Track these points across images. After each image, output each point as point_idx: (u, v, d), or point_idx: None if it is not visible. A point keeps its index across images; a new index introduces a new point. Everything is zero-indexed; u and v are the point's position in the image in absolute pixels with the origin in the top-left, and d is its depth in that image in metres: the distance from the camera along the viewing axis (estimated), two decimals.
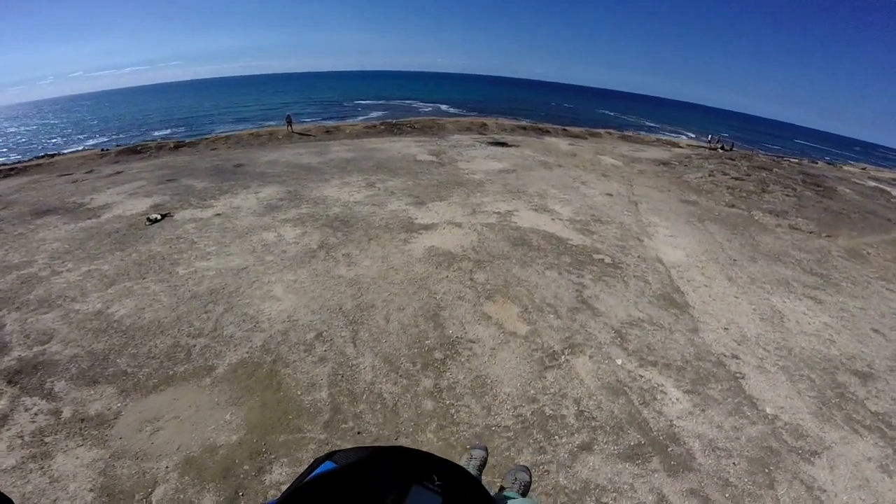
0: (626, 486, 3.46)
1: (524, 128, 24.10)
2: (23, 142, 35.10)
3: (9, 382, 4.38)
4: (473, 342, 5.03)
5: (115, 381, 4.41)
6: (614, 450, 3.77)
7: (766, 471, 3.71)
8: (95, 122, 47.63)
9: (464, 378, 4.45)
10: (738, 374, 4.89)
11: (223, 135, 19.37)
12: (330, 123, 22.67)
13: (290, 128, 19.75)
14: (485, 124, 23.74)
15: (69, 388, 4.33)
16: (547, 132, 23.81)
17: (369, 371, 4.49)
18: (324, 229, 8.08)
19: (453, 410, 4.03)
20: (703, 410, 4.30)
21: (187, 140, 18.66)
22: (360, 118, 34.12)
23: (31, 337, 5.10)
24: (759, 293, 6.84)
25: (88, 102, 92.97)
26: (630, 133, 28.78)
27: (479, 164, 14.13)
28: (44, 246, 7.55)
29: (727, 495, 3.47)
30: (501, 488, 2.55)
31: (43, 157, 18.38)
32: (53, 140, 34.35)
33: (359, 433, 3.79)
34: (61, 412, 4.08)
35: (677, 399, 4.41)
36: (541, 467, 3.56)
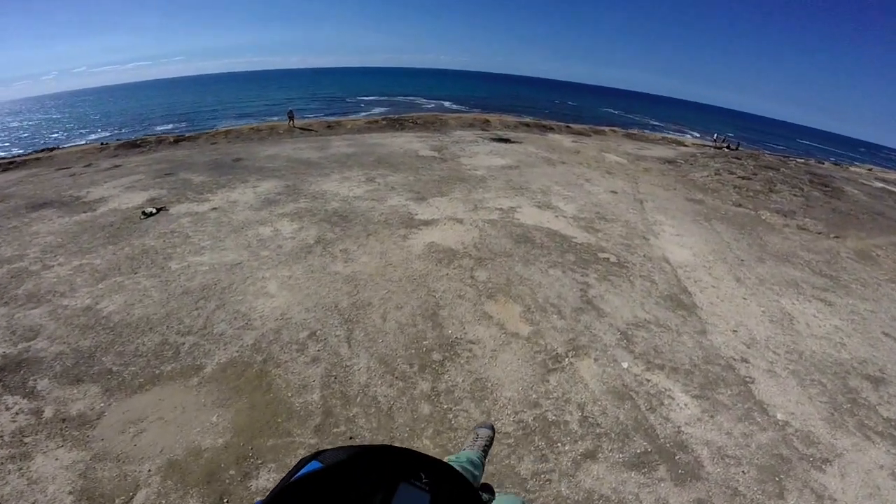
0: (630, 497, 3.29)
1: (527, 124, 23.86)
2: (25, 136, 35.04)
3: None
4: (473, 343, 4.84)
5: (100, 380, 4.25)
6: (619, 458, 3.59)
7: (777, 479, 3.57)
8: (98, 117, 47.53)
9: (463, 381, 4.26)
10: (747, 379, 4.70)
11: (223, 129, 19.20)
12: (332, 119, 22.44)
13: (291, 123, 19.59)
14: (487, 120, 23.51)
15: (52, 387, 4.17)
16: (550, 129, 23.56)
17: (364, 372, 4.30)
18: (321, 224, 7.90)
19: (451, 415, 3.84)
20: (711, 416, 4.12)
21: (187, 134, 18.49)
22: (363, 114, 33.88)
23: (16, 333, 4.93)
24: (768, 294, 6.65)
25: (91, 97, 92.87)
26: (635, 131, 28.52)
27: (482, 160, 13.91)
28: (37, 239, 7.40)
29: None
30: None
31: (42, 150, 18.29)
32: (55, 135, 34.25)
33: (351, 438, 3.62)
34: (43, 412, 3.93)
35: (685, 404, 4.22)
36: (542, 476, 3.38)
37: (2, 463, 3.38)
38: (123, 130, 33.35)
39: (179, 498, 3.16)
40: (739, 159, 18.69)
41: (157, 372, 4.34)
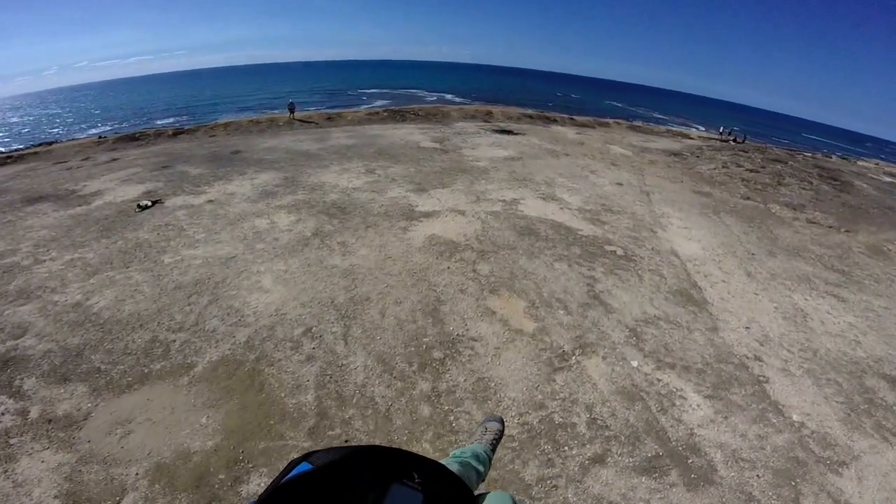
0: (640, 503, 3.10)
1: (530, 116, 23.51)
2: (25, 131, 34.88)
3: None
4: (475, 340, 4.63)
5: (88, 379, 4.11)
6: (629, 462, 3.40)
7: (792, 483, 3.41)
8: (98, 111, 47.31)
9: (464, 381, 4.06)
10: (761, 378, 4.50)
11: (222, 122, 18.97)
12: (332, 111, 22.16)
13: (292, 115, 19.34)
14: (490, 112, 23.17)
15: (39, 386, 4.03)
16: (554, 121, 23.24)
17: (361, 371, 4.11)
18: (319, 216, 7.71)
19: (452, 417, 3.65)
20: (725, 418, 3.93)
21: (186, 127, 18.29)
22: (365, 106, 33.53)
23: (5, 331, 4.79)
24: (780, 290, 6.42)
25: (92, 92, 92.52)
26: (639, 123, 28.09)
27: (484, 151, 13.67)
28: (30, 234, 7.25)
29: None
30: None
31: (40, 145, 18.11)
32: (55, 129, 34.08)
33: (347, 441, 3.44)
34: (29, 412, 3.79)
35: (698, 405, 4.02)
36: (548, 482, 3.19)
37: None
38: (124, 125, 33.13)
39: (167, 503, 3.01)
40: (746, 152, 18.45)
41: (147, 371, 4.18)
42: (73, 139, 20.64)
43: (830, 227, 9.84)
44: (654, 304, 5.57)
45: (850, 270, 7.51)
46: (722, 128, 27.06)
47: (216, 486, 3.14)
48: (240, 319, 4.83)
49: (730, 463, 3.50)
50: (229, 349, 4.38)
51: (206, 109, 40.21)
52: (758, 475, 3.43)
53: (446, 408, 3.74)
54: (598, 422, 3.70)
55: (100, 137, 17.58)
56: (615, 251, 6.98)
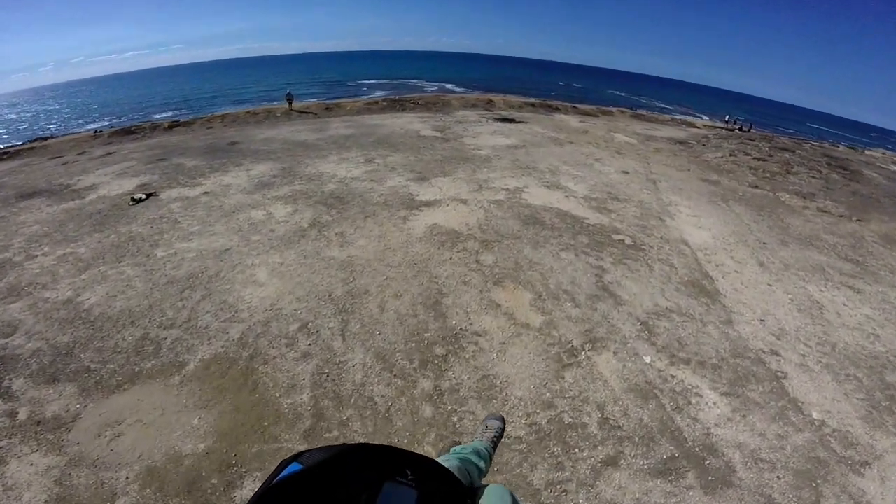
0: None
1: (533, 104, 23.13)
2: (23, 128, 34.57)
3: None
4: (480, 335, 4.43)
5: (77, 379, 3.96)
6: (644, 464, 3.21)
7: (813, 485, 3.24)
8: (96, 106, 46.91)
9: (468, 378, 3.87)
10: (779, 374, 4.29)
11: (219, 114, 18.66)
12: (331, 101, 21.80)
13: (290, 106, 19.03)
14: (491, 101, 22.79)
15: (27, 387, 3.88)
16: (556, 109, 22.87)
17: (359, 369, 3.92)
18: (317, 207, 7.50)
19: (456, 418, 3.46)
20: (743, 416, 3.74)
21: (182, 120, 18.01)
22: (364, 97, 33.06)
23: None
24: (794, 280, 6.20)
25: (89, 88, 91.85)
26: (643, 112, 27.63)
27: (486, 139, 13.40)
28: (23, 229, 7.09)
29: None
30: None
31: (36, 140, 17.90)
32: (52, 125, 33.75)
33: (344, 444, 3.25)
34: (17, 413, 3.66)
35: (714, 403, 3.82)
36: (558, 486, 3.01)
37: None
38: (122, 119, 32.80)
39: None
40: (753, 141, 18.32)
41: (137, 370, 4.02)
42: (69, 134, 20.39)
43: (842, 215, 9.60)
44: (666, 295, 5.35)
45: (865, 260, 7.27)
46: (727, 116, 26.77)
47: (209, 490, 3.00)
48: (233, 315, 4.64)
49: (749, 464, 3.33)
50: (222, 346, 4.20)
51: (205, 103, 39.80)
52: (778, 476, 3.27)
53: (449, 408, 3.55)
54: (611, 422, 3.50)
55: (95, 132, 17.35)
56: (623, 240, 6.75)
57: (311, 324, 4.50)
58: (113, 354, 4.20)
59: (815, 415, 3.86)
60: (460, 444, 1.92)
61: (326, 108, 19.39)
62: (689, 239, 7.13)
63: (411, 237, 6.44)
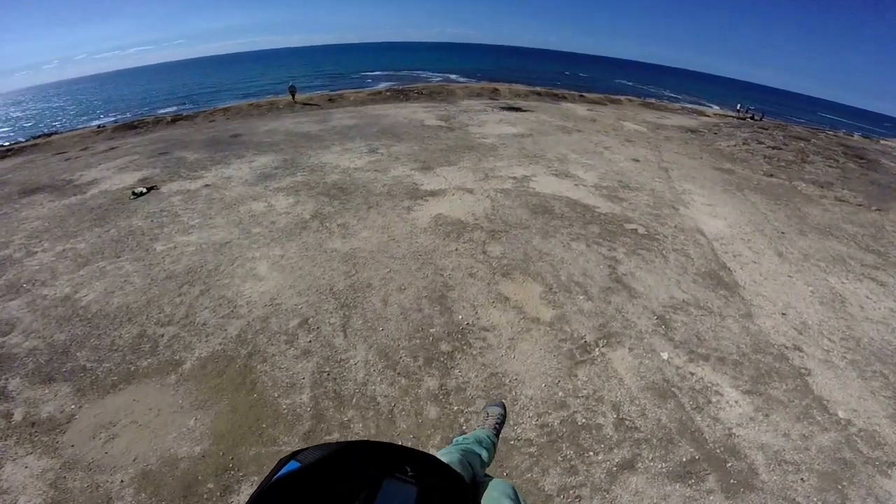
0: None
1: (538, 93, 22.68)
2: (28, 126, 34.62)
3: None
4: (487, 330, 4.23)
5: (72, 378, 3.86)
6: (662, 468, 3.03)
7: (839, 487, 3.06)
8: (100, 102, 46.92)
9: (476, 377, 3.68)
10: (803, 370, 4.06)
11: (222, 107, 18.49)
12: (334, 92, 21.50)
13: (293, 98, 18.82)
14: (496, 90, 22.37)
15: (23, 387, 3.79)
16: (563, 98, 22.42)
17: (361, 367, 3.75)
18: (319, 198, 7.33)
19: (462, 419, 3.28)
20: (766, 415, 3.54)
21: (184, 114, 17.87)
22: (368, 89, 32.67)
23: None
24: (814, 272, 5.93)
25: (93, 84, 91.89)
26: (652, 101, 27.04)
27: (492, 128, 13.12)
28: (24, 225, 7.03)
29: None
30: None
31: (40, 136, 17.89)
32: (57, 122, 33.78)
33: None
34: (12, 414, 3.57)
35: (735, 401, 3.61)
36: (571, 492, 2.83)
37: None
38: (127, 115, 32.70)
39: None
40: (766, 129, 17.91)
41: (133, 368, 3.90)
42: (72, 129, 20.38)
43: (860, 205, 9.26)
44: (682, 287, 5.11)
45: (887, 251, 6.96)
46: (739, 105, 26.28)
47: (205, 495, 2.88)
48: (232, 311, 4.49)
49: (772, 466, 3.15)
50: (220, 344, 4.05)
51: (208, 97, 39.65)
52: (802, 479, 3.08)
53: (456, 408, 3.37)
54: (627, 422, 3.31)
55: (98, 127, 17.29)
56: (636, 229, 6.50)
57: (311, 319, 4.34)
58: (109, 353, 4.10)
59: (840, 413, 3.65)
60: (464, 433, 1.89)
61: (330, 100, 19.14)
62: (704, 228, 6.86)
63: (415, 228, 6.25)
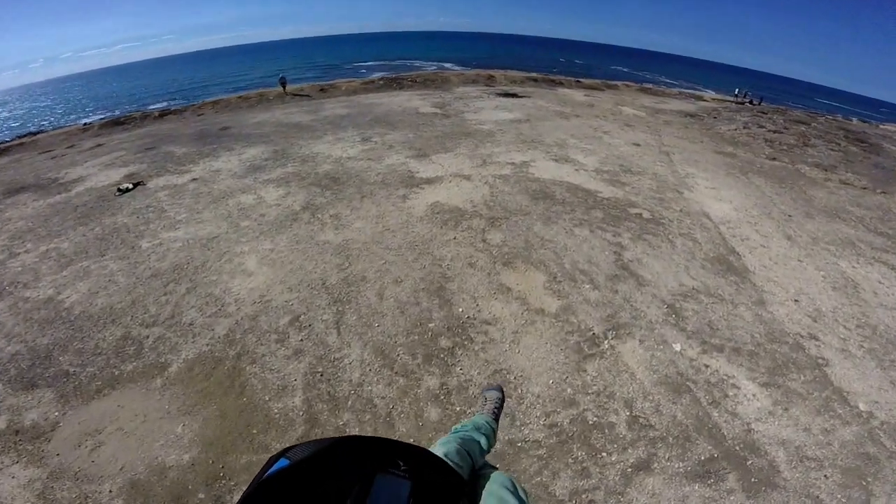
0: None
1: (535, 79, 22.30)
2: (15, 126, 33.96)
3: None
4: (489, 324, 4.03)
5: (55, 384, 3.67)
6: (679, 467, 2.85)
7: (863, 483, 2.92)
8: (88, 100, 46.05)
9: (478, 374, 3.48)
10: (820, 360, 3.89)
11: (210, 101, 18.06)
12: (325, 82, 21.03)
13: (283, 89, 18.37)
14: (492, 76, 21.96)
15: (6, 393, 3.61)
16: (560, 84, 22.04)
17: (356, 367, 3.55)
18: (310, 188, 7.08)
19: (466, 420, 3.09)
20: (785, 409, 3.36)
21: (173, 108, 17.47)
22: (361, 78, 32.04)
23: None
24: (824, 255, 5.75)
25: (80, 83, 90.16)
26: (649, 86, 26.66)
27: (488, 114, 12.83)
28: (7, 226, 6.78)
29: None
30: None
31: (26, 135, 17.50)
32: (45, 122, 33.14)
33: None
34: None
35: (753, 395, 3.43)
36: (584, 496, 2.65)
37: None
38: (116, 112, 32.12)
39: None
40: (766, 114, 17.74)
41: (117, 373, 3.71)
42: (58, 127, 19.95)
43: (865, 188, 9.08)
44: (691, 273, 4.90)
45: None
46: (737, 90, 26.08)
47: None
48: (220, 309, 4.27)
49: (794, 462, 2.98)
50: (207, 345, 3.84)
51: (199, 92, 38.90)
52: (825, 475, 2.93)
53: (458, 409, 3.17)
54: (641, 420, 3.12)
55: (85, 125, 16.88)
56: (641, 214, 6.28)
57: (303, 316, 4.12)
58: (92, 356, 3.90)
59: (861, 406, 3.48)
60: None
61: (321, 90, 18.71)
62: (709, 212, 6.65)
63: (411, 217, 6.02)
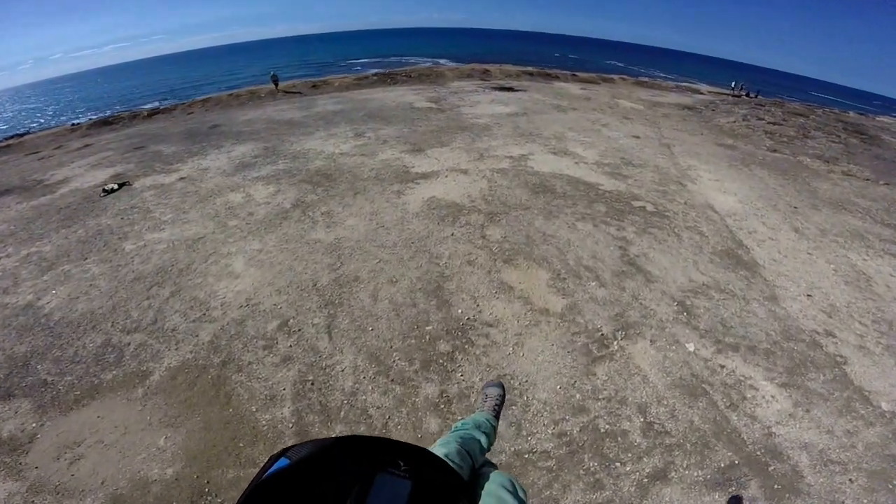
0: None
1: (530, 73, 22.07)
2: (4, 128, 33.47)
3: None
4: (491, 326, 3.82)
5: (33, 394, 3.46)
6: (699, 476, 2.66)
7: (890, 486, 2.78)
8: (79, 101, 45.45)
9: (480, 380, 3.27)
10: (839, 358, 3.72)
11: (200, 99, 17.73)
12: (317, 78, 20.70)
13: (275, 86, 18.05)
14: (487, 70, 21.69)
15: None
16: (556, 77, 21.86)
17: (349, 375, 3.33)
18: (301, 185, 6.84)
19: None
20: (806, 411, 3.19)
21: (162, 107, 17.14)
22: (354, 74, 31.68)
23: None
24: (833, 248, 5.60)
25: (71, 84, 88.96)
26: (645, 79, 26.51)
27: (484, 108, 12.62)
28: None
29: None
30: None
31: (12, 137, 17.15)
32: (35, 124, 32.64)
33: None
34: None
35: (772, 396, 3.25)
36: None
37: None
38: (107, 112, 31.65)
39: None
40: (763, 106, 17.78)
41: (97, 381, 3.50)
42: (46, 129, 19.58)
43: (867, 179, 9.00)
44: (700, 268, 4.71)
45: None
46: (734, 82, 26.09)
47: None
48: (204, 314, 4.04)
49: (818, 467, 2.82)
50: (191, 352, 3.62)
51: (190, 91, 38.40)
52: (850, 479, 2.77)
53: (459, 418, 2.95)
54: (656, 426, 2.92)
55: (73, 125, 16.55)
56: (644, 207, 6.10)
57: (292, 320, 3.89)
58: (71, 365, 3.69)
59: (884, 406, 3.32)
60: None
61: (313, 86, 18.41)
62: (714, 204, 6.48)
63: (407, 213, 5.80)
